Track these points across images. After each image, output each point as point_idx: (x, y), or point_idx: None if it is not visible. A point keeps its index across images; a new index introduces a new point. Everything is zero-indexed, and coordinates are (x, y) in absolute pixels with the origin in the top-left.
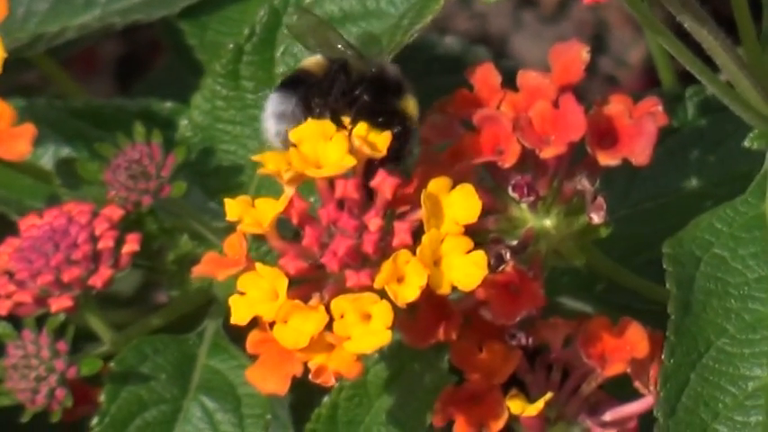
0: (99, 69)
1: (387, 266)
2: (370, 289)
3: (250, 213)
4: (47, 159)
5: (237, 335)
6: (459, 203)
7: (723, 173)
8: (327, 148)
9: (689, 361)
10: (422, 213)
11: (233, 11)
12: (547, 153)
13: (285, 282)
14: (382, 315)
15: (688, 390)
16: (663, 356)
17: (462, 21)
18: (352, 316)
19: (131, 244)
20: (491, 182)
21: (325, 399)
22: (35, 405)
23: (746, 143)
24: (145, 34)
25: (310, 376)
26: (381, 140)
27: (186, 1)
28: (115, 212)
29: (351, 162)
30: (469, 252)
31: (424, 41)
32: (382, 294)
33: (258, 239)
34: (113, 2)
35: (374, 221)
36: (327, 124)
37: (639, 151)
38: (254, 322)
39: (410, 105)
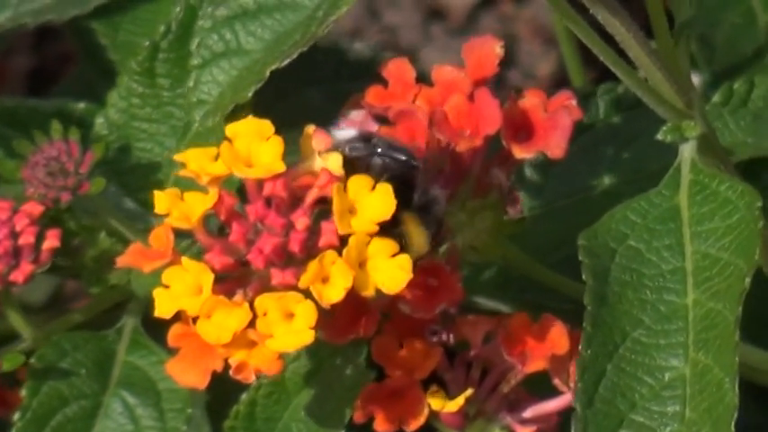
0: (9, 82)
1: (312, 266)
2: (294, 288)
3: (178, 207)
4: None
5: (156, 331)
6: (377, 202)
7: (636, 170)
8: (262, 147)
9: (605, 352)
10: (334, 208)
11: (145, 11)
12: (462, 146)
13: (210, 277)
14: (305, 314)
15: (605, 380)
16: (580, 347)
17: (372, 33)
18: (275, 314)
19: (52, 240)
20: None
21: (244, 396)
22: None
23: (660, 136)
24: (55, 47)
25: (231, 372)
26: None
27: (98, 0)
28: (35, 208)
29: (281, 167)
30: (395, 255)
31: (334, 47)
32: (306, 294)
33: (181, 232)
34: (25, 2)
35: (301, 220)
36: (266, 123)
37: (555, 144)
38: (175, 317)
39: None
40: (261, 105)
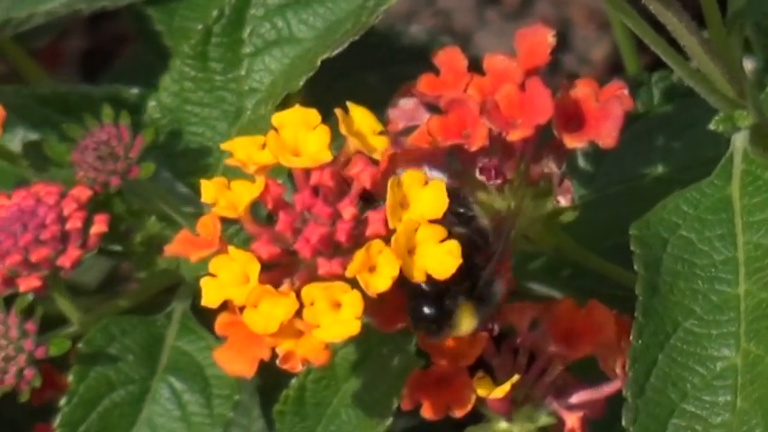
0: (64, 64)
1: (359, 256)
2: (341, 277)
3: (225, 196)
4: (15, 146)
5: (205, 316)
6: (429, 199)
7: (689, 158)
8: (309, 137)
9: (657, 342)
10: (387, 202)
11: None
12: (514, 136)
13: (257, 266)
14: (352, 305)
15: (656, 370)
16: (631, 337)
17: (426, 18)
18: (322, 304)
19: (100, 225)
20: (458, 166)
21: (293, 381)
22: (3, 385)
23: (712, 126)
24: (109, 28)
25: (278, 362)
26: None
27: None
28: (83, 193)
29: (327, 157)
30: (443, 241)
31: (390, 31)
32: (353, 284)
33: (229, 221)
34: None
35: (348, 210)
36: (313, 113)
37: (606, 134)
38: (223, 305)
39: None
40: (318, 87)
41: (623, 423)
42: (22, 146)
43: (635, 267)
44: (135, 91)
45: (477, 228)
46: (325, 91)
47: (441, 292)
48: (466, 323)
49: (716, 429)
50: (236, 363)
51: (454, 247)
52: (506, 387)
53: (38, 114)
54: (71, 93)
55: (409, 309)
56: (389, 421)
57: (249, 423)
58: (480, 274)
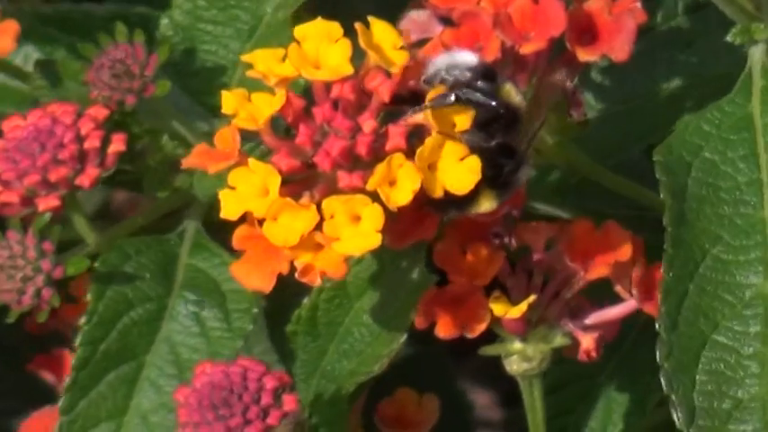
0: None
1: (380, 169)
2: (361, 191)
3: (246, 108)
4: (18, 62)
5: (217, 235)
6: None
7: (704, 72)
8: (330, 50)
9: (687, 273)
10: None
11: None
12: (527, 49)
13: (278, 178)
14: (373, 218)
15: (687, 302)
16: (662, 270)
17: None
18: (342, 217)
19: (117, 144)
20: None
21: (305, 300)
22: (21, 306)
23: (729, 38)
24: None
25: (297, 275)
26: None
27: None
28: (100, 112)
29: (349, 70)
30: (463, 158)
31: None
32: (373, 197)
33: (247, 135)
34: None
35: (368, 123)
36: (335, 26)
37: (619, 47)
38: (238, 221)
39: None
40: (314, 12)
41: (657, 358)
42: (31, 64)
43: (661, 196)
44: (139, 10)
45: (506, 105)
46: (318, 13)
47: None
48: (485, 204)
49: (748, 361)
50: (253, 276)
51: (474, 163)
52: (523, 307)
53: (40, 33)
54: (73, 11)
55: None
56: (404, 338)
57: (263, 350)
58: (506, 159)
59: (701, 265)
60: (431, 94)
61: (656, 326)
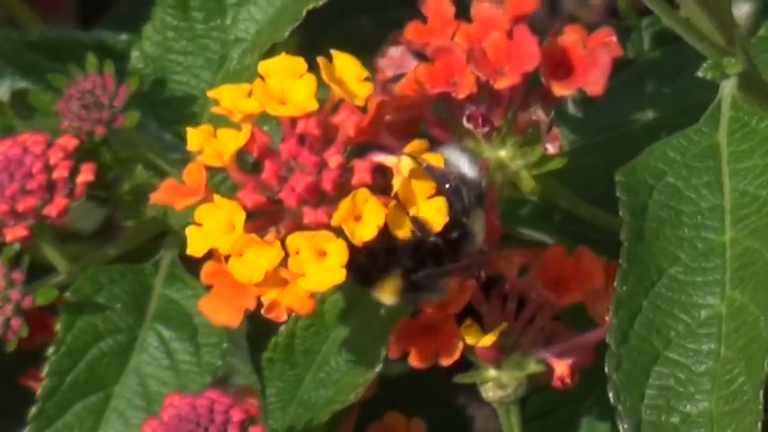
0: (60, 10)
1: (345, 204)
2: (326, 226)
3: (211, 144)
4: (2, 92)
5: (194, 265)
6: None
7: (678, 104)
8: (295, 85)
9: (641, 288)
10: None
11: None
12: (501, 84)
13: (242, 215)
14: (337, 253)
15: (640, 317)
16: (615, 284)
17: None
18: (307, 253)
19: (86, 174)
20: (445, 113)
21: (282, 328)
22: None
23: (700, 73)
24: None
25: (263, 311)
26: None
27: None
28: (70, 142)
29: (314, 106)
30: (431, 197)
31: None
32: (338, 233)
33: (215, 169)
34: None
35: (334, 158)
36: (299, 61)
37: (594, 81)
38: (211, 253)
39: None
40: (312, 32)
41: (606, 370)
42: (9, 94)
43: (620, 213)
44: (123, 38)
45: (465, 228)
46: (319, 35)
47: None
48: (386, 296)
49: (699, 377)
50: (221, 312)
51: (441, 204)
52: (494, 335)
53: (27, 60)
54: (61, 38)
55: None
56: (378, 368)
57: (251, 371)
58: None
59: (657, 283)
60: (411, 147)
61: (606, 338)
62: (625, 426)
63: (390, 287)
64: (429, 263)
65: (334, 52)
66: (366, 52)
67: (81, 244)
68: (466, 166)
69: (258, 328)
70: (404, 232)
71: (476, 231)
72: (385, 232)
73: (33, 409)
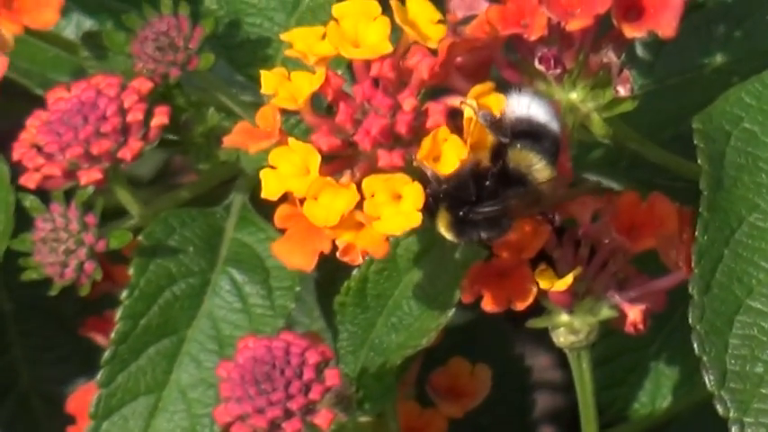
0: None
1: (427, 142)
2: (401, 169)
3: (285, 87)
4: (70, 31)
5: (265, 208)
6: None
7: (749, 48)
8: (369, 28)
9: (722, 237)
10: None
11: None
12: (573, 25)
13: (318, 158)
14: (413, 196)
15: (722, 266)
16: (696, 233)
17: None
18: (382, 196)
19: (160, 117)
20: (516, 56)
21: (355, 272)
22: (64, 279)
23: None
24: None
25: (338, 254)
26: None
27: None
28: (144, 85)
29: (388, 48)
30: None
31: None
32: (414, 176)
33: (288, 112)
34: None
35: (408, 101)
36: (373, 3)
37: (665, 23)
38: (284, 196)
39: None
40: None
41: (690, 320)
42: (80, 35)
43: (698, 161)
44: None
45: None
46: None
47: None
48: (443, 229)
49: None
50: (295, 255)
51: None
52: (569, 279)
53: (93, 1)
54: None
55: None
56: (451, 312)
57: (311, 322)
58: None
59: (736, 231)
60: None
61: (689, 288)
62: (711, 377)
63: (443, 220)
64: (480, 202)
65: None
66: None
67: (139, 190)
68: (542, 114)
69: (326, 275)
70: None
71: (533, 176)
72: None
73: (106, 353)
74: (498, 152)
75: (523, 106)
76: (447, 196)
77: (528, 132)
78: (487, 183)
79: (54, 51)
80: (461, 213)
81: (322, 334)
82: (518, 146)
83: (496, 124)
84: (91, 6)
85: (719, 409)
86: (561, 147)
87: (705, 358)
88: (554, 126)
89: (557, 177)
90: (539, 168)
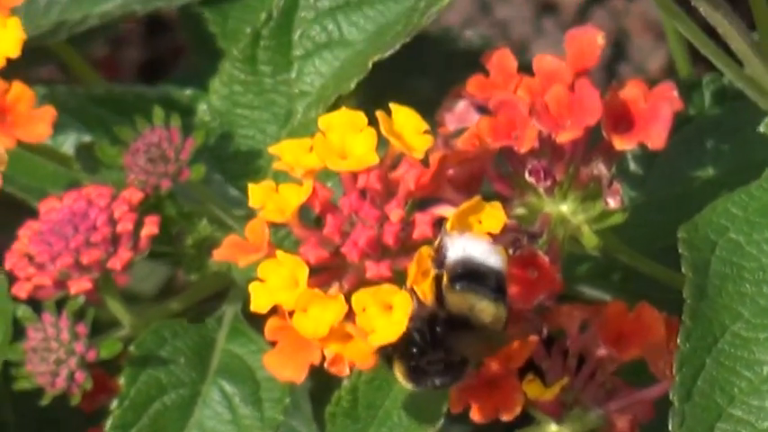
0: (121, 74)
1: (413, 268)
2: (389, 280)
3: (273, 200)
4: (68, 146)
5: (256, 319)
6: (488, 215)
7: (739, 161)
8: (355, 139)
9: (704, 345)
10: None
11: None
12: (563, 137)
13: (305, 270)
14: (403, 305)
15: (704, 374)
16: (678, 341)
17: (484, 27)
18: (374, 309)
19: (150, 226)
20: (507, 168)
21: (345, 382)
22: (55, 388)
23: (762, 128)
24: (166, 40)
25: (326, 365)
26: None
27: None
28: (134, 195)
29: (374, 160)
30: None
31: (444, 36)
32: (401, 284)
33: (278, 224)
34: None
35: (395, 212)
36: (359, 115)
37: (655, 135)
38: (274, 308)
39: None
40: (371, 94)
41: (670, 427)
42: (75, 148)
43: (683, 270)
44: (188, 92)
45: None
46: (379, 97)
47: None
48: (400, 377)
49: None
50: (286, 367)
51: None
52: (556, 389)
53: (92, 115)
54: (126, 93)
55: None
56: (440, 424)
57: (309, 428)
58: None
59: (719, 339)
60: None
61: (670, 395)
62: None
63: (398, 369)
64: (429, 350)
65: (393, 106)
66: (425, 113)
67: (142, 306)
68: (478, 253)
69: (320, 382)
70: None
71: (477, 317)
72: None
73: None
74: (440, 298)
75: (458, 248)
76: (397, 347)
77: (466, 274)
78: (438, 329)
79: (52, 166)
80: (412, 364)
81: None
82: (457, 288)
83: (440, 265)
84: (88, 122)
85: None
86: (552, 257)
87: None
88: (493, 262)
89: (504, 315)
90: (481, 308)
